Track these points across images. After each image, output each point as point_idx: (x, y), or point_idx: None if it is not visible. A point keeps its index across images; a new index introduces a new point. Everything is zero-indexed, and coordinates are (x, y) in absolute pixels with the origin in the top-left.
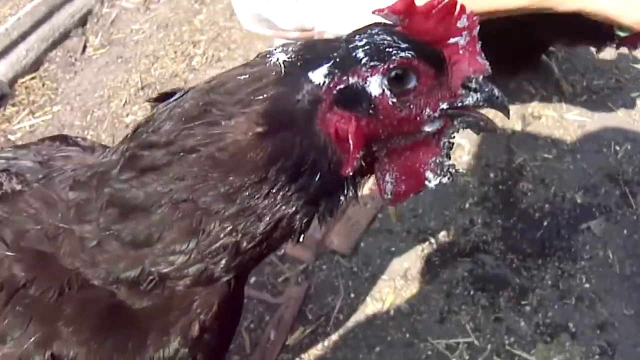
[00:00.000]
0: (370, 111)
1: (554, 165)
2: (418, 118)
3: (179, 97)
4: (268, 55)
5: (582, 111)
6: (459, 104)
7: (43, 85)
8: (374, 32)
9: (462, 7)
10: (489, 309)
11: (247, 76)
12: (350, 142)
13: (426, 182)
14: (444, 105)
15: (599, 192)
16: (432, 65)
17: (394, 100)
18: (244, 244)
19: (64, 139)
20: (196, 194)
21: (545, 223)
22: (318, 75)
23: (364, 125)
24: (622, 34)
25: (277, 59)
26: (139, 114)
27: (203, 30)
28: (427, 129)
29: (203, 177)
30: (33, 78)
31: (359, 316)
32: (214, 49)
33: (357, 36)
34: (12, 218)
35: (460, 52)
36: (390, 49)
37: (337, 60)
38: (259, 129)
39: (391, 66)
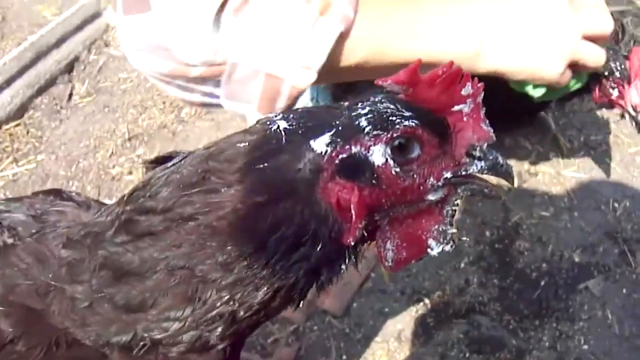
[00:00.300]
0: (373, 181)
1: (551, 223)
2: (422, 187)
3: (176, 162)
4: (268, 122)
5: (579, 167)
6: (463, 173)
7: (27, 132)
8: (377, 99)
9: (467, 75)
10: None
11: (247, 144)
12: (353, 212)
13: (428, 250)
14: (448, 175)
15: (598, 250)
16: (436, 133)
17: (398, 170)
18: (241, 312)
19: (58, 193)
20: (193, 262)
21: (542, 283)
22: (320, 144)
23: (367, 195)
24: (536, 95)
25: (278, 126)
26: (125, 165)
27: None
28: (431, 197)
29: (201, 246)
30: (17, 125)
31: None
32: None
33: (360, 104)
34: (2, 272)
35: (465, 119)
36: (394, 118)
37: (340, 128)
38: (259, 199)
39: (395, 135)
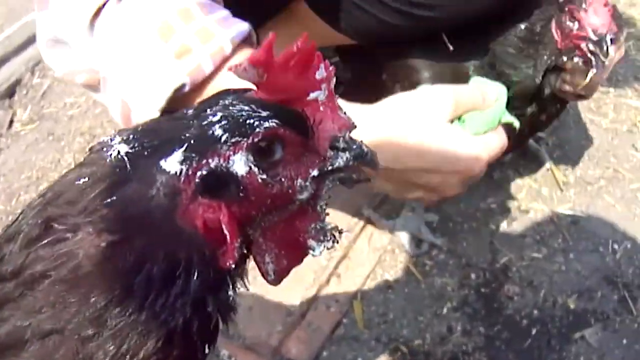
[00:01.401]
0: (240, 193)
1: (543, 266)
2: (290, 190)
3: (16, 219)
4: (105, 149)
5: (575, 205)
6: (330, 168)
7: None
8: (227, 102)
9: (319, 56)
10: None
11: (86, 179)
12: (226, 232)
13: (310, 252)
14: (315, 172)
15: (595, 296)
16: (298, 130)
17: (264, 176)
18: None
19: None
20: (61, 324)
21: (533, 332)
22: (172, 163)
23: (236, 210)
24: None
25: (118, 151)
26: None
27: None
28: (301, 197)
29: (62, 304)
30: None
31: None
32: None
33: (209, 110)
34: None
35: (322, 109)
36: (252, 120)
37: (192, 142)
38: (112, 238)
39: (256, 140)
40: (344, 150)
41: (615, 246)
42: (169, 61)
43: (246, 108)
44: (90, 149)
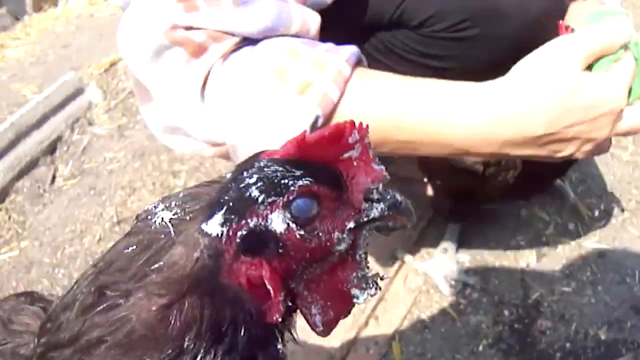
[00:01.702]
0: (280, 250)
1: (573, 300)
2: (328, 242)
3: (70, 289)
4: (149, 217)
5: (601, 237)
6: (365, 219)
7: (9, 218)
8: (262, 165)
9: (352, 123)
10: None
11: (134, 247)
12: (270, 287)
13: (354, 300)
14: (351, 224)
15: (625, 326)
16: (331, 185)
17: (302, 232)
18: None
19: (29, 296)
20: None
21: None
22: (213, 226)
23: (277, 266)
24: None
25: (162, 218)
26: None
27: (183, 159)
28: (339, 248)
29: None
30: None
31: None
32: (195, 180)
33: (245, 173)
34: None
35: (355, 164)
36: (286, 180)
37: (231, 204)
38: (163, 301)
39: (291, 198)
40: (378, 201)
41: None
42: (294, 100)
43: (280, 169)
44: (136, 217)
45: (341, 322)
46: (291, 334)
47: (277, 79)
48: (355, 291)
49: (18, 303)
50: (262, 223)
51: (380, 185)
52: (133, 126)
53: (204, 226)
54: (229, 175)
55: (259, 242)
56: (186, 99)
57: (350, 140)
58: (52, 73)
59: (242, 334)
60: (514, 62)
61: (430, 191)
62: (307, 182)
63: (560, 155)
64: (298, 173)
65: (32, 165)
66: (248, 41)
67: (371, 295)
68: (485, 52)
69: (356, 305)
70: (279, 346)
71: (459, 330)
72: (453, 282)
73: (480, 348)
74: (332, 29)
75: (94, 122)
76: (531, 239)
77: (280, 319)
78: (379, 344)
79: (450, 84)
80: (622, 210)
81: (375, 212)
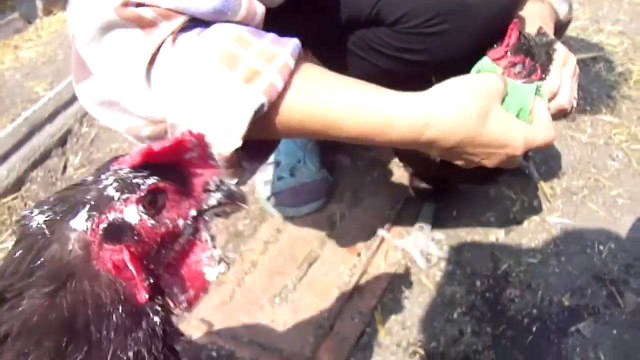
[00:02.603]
0: (135, 237)
1: (539, 270)
2: (176, 229)
3: None
4: (27, 222)
5: (563, 213)
6: (205, 207)
7: (25, 205)
8: (116, 168)
9: (189, 132)
10: None
11: (20, 252)
12: (132, 268)
13: (207, 278)
14: (194, 212)
15: (586, 293)
16: (176, 182)
17: (152, 221)
18: None
19: None
20: None
21: (534, 329)
22: (80, 222)
23: (135, 251)
24: None
25: (37, 222)
26: None
27: None
28: (186, 233)
29: (24, 355)
30: (15, 198)
31: None
32: None
33: (103, 176)
34: None
35: (195, 163)
36: (137, 180)
37: (92, 203)
38: (49, 289)
39: (142, 195)
40: (215, 191)
41: (601, 247)
42: (240, 87)
43: (131, 171)
44: (17, 222)
45: (328, 294)
46: (166, 312)
47: (226, 66)
48: (206, 269)
49: None
50: (119, 216)
51: (217, 179)
52: None
53: (72, 223)
54: (90, 179)
55: (118, 232)
56: (131, 74)
57: (190, 145)
58: (62, 71)
59: (120, 311)
60: (483, 53)
61: (406, 174)
62: (154, 180)
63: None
64: (146, 173)
65: (45, 156)
66: (197, 22)
67: (221, 273)
68: (456, 45)
69: (211, 281)
70: (156, 319)
71: (435, 300)
72: (429, 257)
73: (455, 316)
74: (311, 27)
75: None
76: (499, 215)
77: (148, 297)
78: (363, 313)
79: (382, 89)
80: (582, 188)
81: (213, 201)
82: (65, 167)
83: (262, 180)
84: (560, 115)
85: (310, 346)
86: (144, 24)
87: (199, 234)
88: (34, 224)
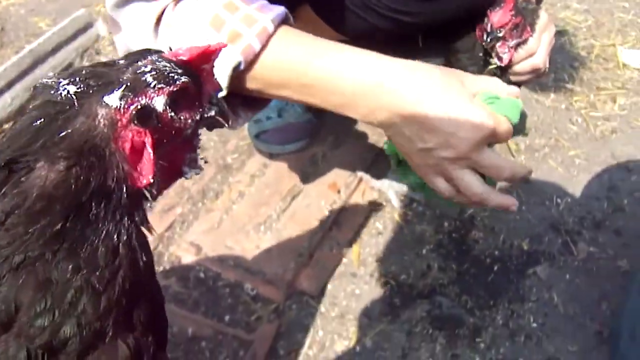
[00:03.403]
0: (158, 124)
1: (502, 216)
2: (184, 126)
3: None
4: (52, 90)
5: None
6: (205, 115)
7: None
8: (154, 58)
9: (222, 46)
10: (446, 346)
11: (42, 119)
12: (150, 150)
13: (184, 175)
14: (197, 117)
15: (543, 240)
16: (196, 87)
17: (172, 114)
18: (95, 281)
19: None
20: (28, 248)
21: (495, 268)
22: (113, 99)
23: (154, 136)
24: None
25: (68, 91)
26: None
27: None
28: (187, 132)
29: (27, 232)
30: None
31: (327, 353)
32: None
33: (140, 61)
34: None
35: (206, 75)
36: (172, 74)
37: (128, 84)
38: (65, 164)
39: (174, 89)
40: (214, 105)
41: (559, 200)
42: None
43: (168, 65)
44: (33, 90)
45: (309, 226)
46: (152, 197)
47: (213, 28)
48: (185, 168)
49: None
50: (150, 102)
51: (218, 94)
52: None
53: (105, 98)
54: (122, 62)
55: (145, 117)
56: (143, 33)
57: (212, 56)
58: (66, 9)
59: (122, 192)
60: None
61: None
62: (186, 79)
63: (432, 182)
64: (180, 71)
65: None
66: None
67: (196, 174)
68: (446, 10)
69: (181, 178)
70: (149, 204)
71: (406, 237)
72: (402, 197)
73: (424, 252)
74: None
75: (100, 52)
76: None
77: (151, 181)
78: (341, 245)
79: (361, 50)
80: (544, 147)
81: (212, 112)
82: None
83: (251, 119)
84: (534, 74)
85: (291, 272)
86: None
87: (193, 136)
88: (62, 92)
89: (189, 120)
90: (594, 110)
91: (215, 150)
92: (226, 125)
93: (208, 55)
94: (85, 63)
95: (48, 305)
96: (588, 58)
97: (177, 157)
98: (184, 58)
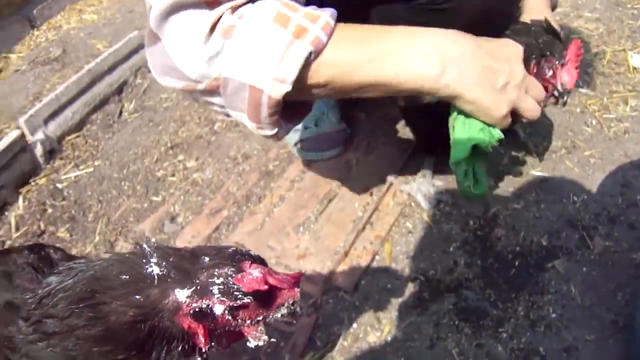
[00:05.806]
0: (213, 323)
1: (522, 214)
2: (244, 326)
3: (68, 278)
4: (146, 264)
5: (544, 168)
6: (272, 317)
7: (86, 142)
8: (229, 272)
9: (300, 275)
10: (471, 337)
11: (127, 277)
12: (202, 339)
13: (248, 344)
14: (260, 318)
15: (561, 236)
16: (262, 303)
17: (229, 317)
18: None
19: (37, 249)
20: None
21: (517, 263)
22: (182, 295)
23: (208, 327)
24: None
25: (153, 270)
26: (168, 169)
27: None
28: (247, 323)
29: (91, 350)
30: (77, 136)
31: (360, 343)
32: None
33: (217, 270)
34: None
35: (282, 292)
36: (237, 293)
37: (198, 287)
38: (136, 312)
39: (234, 305)
40: (284, 307)
41: (575, 198)
42: (291, 41)
43: (236, 285)
44: (135, 246)
45: (344, 227)
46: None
47: (279, 25)
48: (250, 339)
49: (22, 257)
50: (211, 306)
51: (292, 300)
52: None
53: (177, 290)
54: (206, 260)
55: (203, 315)
56: (192, 40)
57: (287, 285)
58: (120, 32)
59: (179, 346)
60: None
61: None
62: (248, 300)
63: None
64: (244, 292)
65: (104, 102)
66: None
67: (258, 346)
68: (462, 25)
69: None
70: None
71: (434, 235)
72: (430, 199)
73: (451, 249)
74: (335, 1)
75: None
76: (490, 167)
77: (206, 348)
78: (373, 243)
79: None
80: (560, 148)
81: (279, 314)
82: (121, 112)
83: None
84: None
85: (328, 269)
86: (211, 2)
87: (257, 326)
88: (149, 269)
89: (249, 321)
90: (607, 113)
91: (258, 158)
92: (294, 322)
93: (281, 288)
94: (139, 80)
95: None
96: (600, 63)
97: (237, 335)
98: (259, 287)
